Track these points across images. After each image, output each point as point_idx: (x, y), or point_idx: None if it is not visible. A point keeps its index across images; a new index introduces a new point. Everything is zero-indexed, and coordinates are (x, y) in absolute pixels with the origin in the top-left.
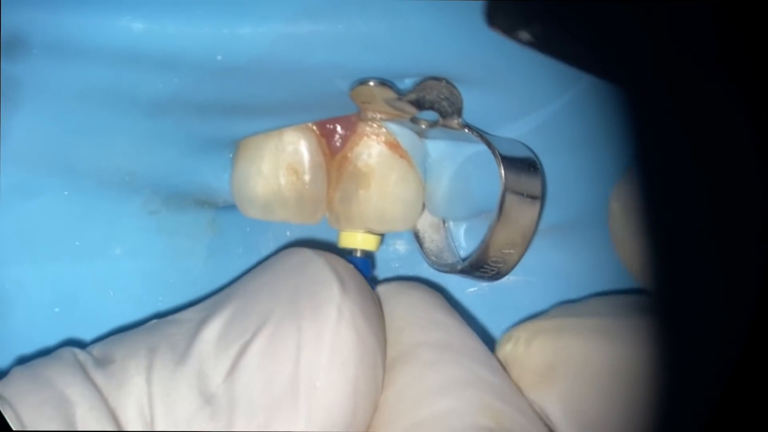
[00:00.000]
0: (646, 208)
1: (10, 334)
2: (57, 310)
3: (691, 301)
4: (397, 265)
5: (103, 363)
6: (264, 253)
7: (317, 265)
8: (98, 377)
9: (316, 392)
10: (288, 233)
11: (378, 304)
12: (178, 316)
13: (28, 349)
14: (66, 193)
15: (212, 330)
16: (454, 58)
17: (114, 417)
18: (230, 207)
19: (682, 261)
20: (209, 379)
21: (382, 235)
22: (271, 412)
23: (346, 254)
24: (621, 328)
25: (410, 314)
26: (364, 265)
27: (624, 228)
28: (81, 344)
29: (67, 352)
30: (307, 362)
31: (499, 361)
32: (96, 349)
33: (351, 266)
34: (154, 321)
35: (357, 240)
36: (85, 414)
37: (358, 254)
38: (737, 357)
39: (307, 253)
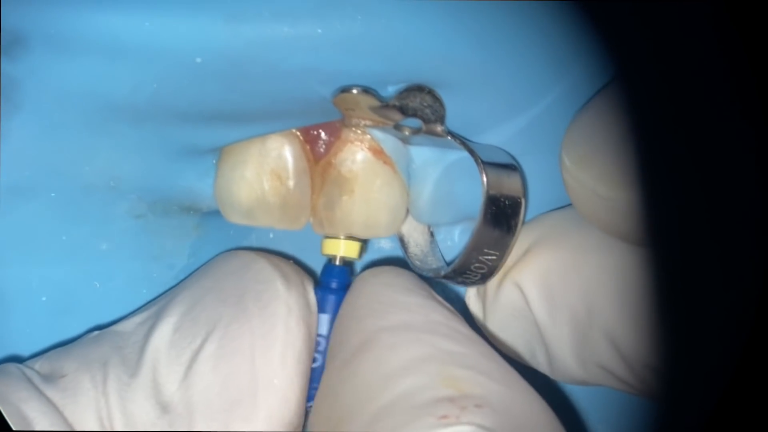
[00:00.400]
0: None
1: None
2: (44, 299)
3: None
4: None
5: (52, 377)
6: None
7: (259, 265)
8: (50, 392)
9: (273, 389)
10: (271, 235)
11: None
12: (121, 326)
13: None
14: (52, 194)
15: (161, 338)
16: (435, 60)
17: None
18: (215, 212)
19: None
20: (163, 387)
21: (365, 243)
22: (230, 413)
23: (327, 262)
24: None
25: (371, 301)
26: (342, 273)
27: (580, 182)
28: (19, 360)
29: (12, 367)
30: (262, 360)
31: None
32: (39, 364)
33: (290, 261)
34: (96, 333)
35: (339, 247)
36: (46, 429)
37: (338, 262)
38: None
39: (248, 255)
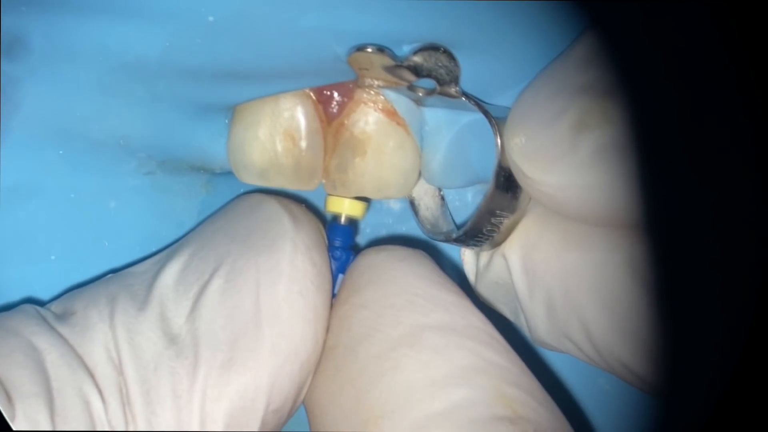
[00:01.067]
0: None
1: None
2: (53, 257)
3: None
4: (390, 221)
5: (63, 316)
6: None
7: (268, 204)
8: (61, 328)
9: (277, 322)
10: None
11: (325, 240)
12: (134, 268)
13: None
14: (60, 152)
15: (170, 275)
16: (449, 17)
17: (83, 362)
18: (227, 173)
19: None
20: (171, 321)
21: (368, 202)
22: (235, 344)
23: (331, 221)
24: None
25: (407, 291)
26: (346, 232)
27: (512, 159)
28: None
29: (28, 307)
30: (267, 294)
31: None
32: (54, 306)
33: (301, 204)
34: (110, 275)
35: (344, 206)
36: (56, 360)
37: (342, 221)
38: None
39: (258, 196)
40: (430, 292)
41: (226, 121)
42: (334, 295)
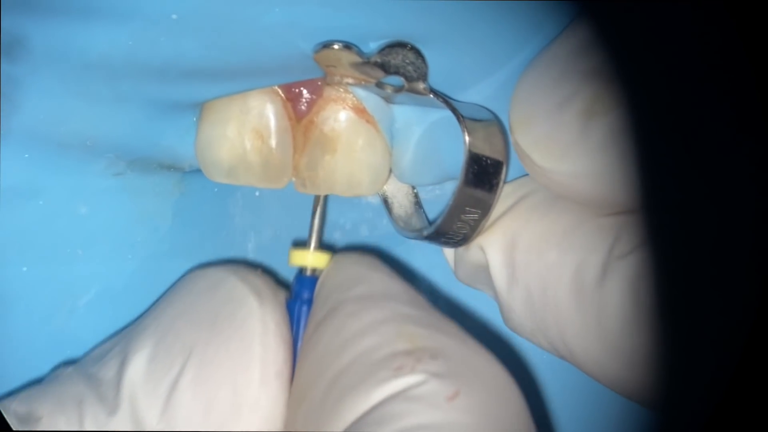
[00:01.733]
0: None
1: None
2: (24, 269)
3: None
4: (371, 215)
5: (28, 420)
6: (233, 212)
7: (230, 283)
8: None
9: (258, 408)
10: (257, 193)
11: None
12: (92, 360)
13: None
14: (26, 155)
15: (136, 371)
16: (416, 11)
17: None
18: (197, 171)
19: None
20: (144, 421)
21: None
22: None
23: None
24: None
25: (336, 279)
26: (312, 284)
27: (520, 146)
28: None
29: None
30: (242, 381)
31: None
32: (15, 405)
33: (259, 271)
34: (69, 369)
35: (307, 258)
36: None
37: (308, 273)
38: None
39: (217, 274)
40: (356, 271)
41: (194, 118)
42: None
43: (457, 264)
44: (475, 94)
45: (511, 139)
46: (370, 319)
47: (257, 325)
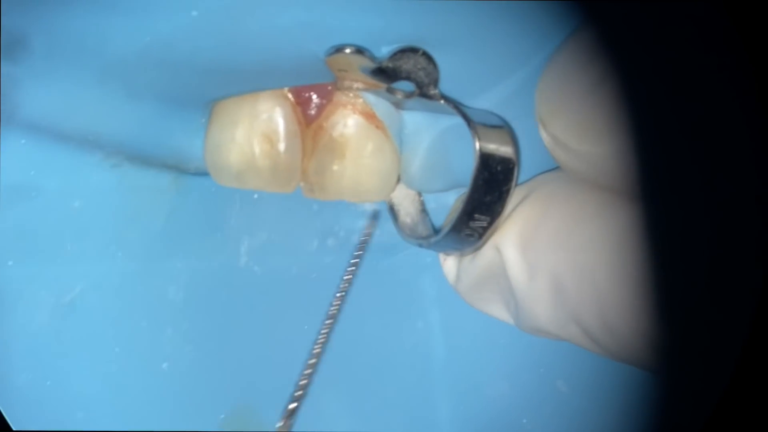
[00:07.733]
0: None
1: None
2: (10, 264)
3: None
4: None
5: None
6: (229, 214)
7: None
8: None
9: None
10: (255, 196)
11: None
12: None
13: None
14: (23, 141)
15: None
16: (429, 15)
17: None
18: (202, 173)
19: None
20: None
21: None
22: None
23: None
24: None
25: None
26: None
27: (553, 137)
28: None
29: None
30: None
31: None
32: None
33: None
34: None
35: None
36: None
37: None
38: None
39: None
40: None
41: (203, 120)
42: None
43: (460, 275)
44: (485, 101)
45: (542, 135)
46: None
47: None
